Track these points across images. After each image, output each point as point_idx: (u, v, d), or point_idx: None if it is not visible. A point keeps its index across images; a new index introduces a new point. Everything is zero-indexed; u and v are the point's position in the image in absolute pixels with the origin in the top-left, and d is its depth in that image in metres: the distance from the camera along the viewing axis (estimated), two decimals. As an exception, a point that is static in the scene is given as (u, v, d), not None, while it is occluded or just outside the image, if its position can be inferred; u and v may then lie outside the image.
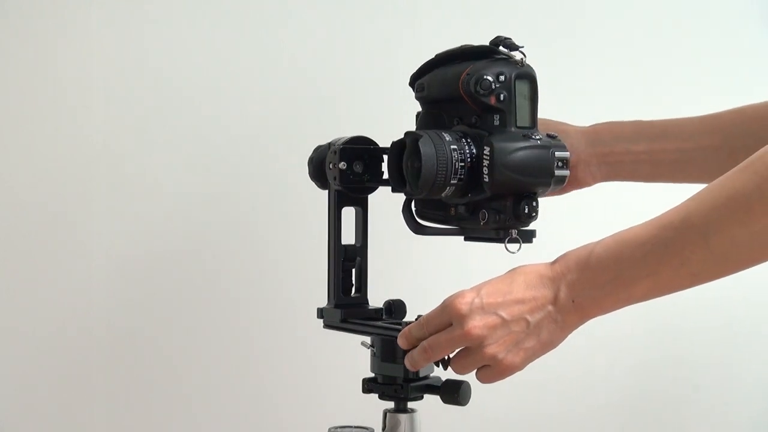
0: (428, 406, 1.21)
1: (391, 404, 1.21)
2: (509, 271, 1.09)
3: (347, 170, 1.22)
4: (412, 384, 1.18)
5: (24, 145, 1.69)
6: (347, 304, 1.24)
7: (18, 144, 1.69)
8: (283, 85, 1.77)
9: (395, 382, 1.18)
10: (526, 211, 1.12)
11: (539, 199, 1.14)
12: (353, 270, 1.25)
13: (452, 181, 1.11)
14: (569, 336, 1.09)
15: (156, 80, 1.73)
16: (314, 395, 1.78)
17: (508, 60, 1.12)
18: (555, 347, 1.08)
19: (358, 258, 1.25)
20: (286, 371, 1.78)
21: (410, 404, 1.20)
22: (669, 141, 1.26)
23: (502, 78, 1.12)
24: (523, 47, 1.12)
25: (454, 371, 1.10)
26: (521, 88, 1.12)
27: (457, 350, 1.09)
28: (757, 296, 1.89)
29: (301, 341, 1.76)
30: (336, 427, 1.20)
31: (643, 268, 1.02)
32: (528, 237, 1.14)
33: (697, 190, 1.02)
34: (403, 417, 1.20)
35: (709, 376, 1.94)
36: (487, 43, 1.14)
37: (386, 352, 1.18)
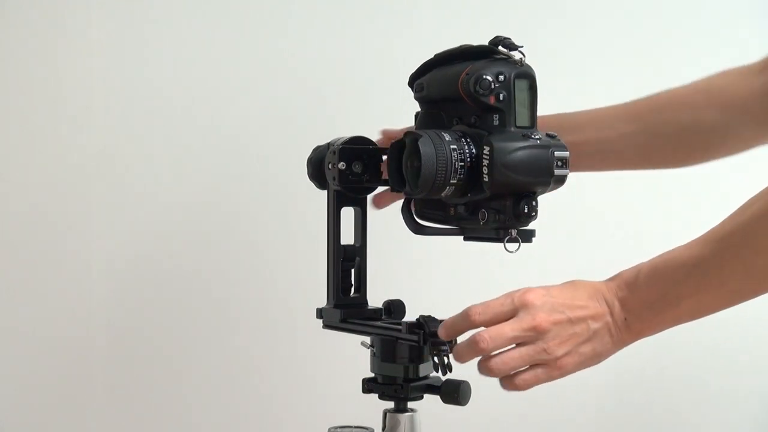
0: (428, 406, 1.21)
1: (391, 404, 1.20)
2: (569, 281, 1.11)
3: (346, 170, 1.22)
4: (412, 384, 1.18)
5: (23, 147, 1.69)
6: (346, 305, 1.24)
7: (17, 146, 1.69)
8: (282, 86, 1.77)
9: (395, 382, 1.18)
10: (526, 210, 1.12)
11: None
12: (352, 270, 1.25)
13: (452, 181, 1.11)
14: None
15: (155, 82, 1.73)
16: (314, 395, 1.78)
17: (508, 60, 1.12)
18: (601, 361, 1.10)
19: (358, 258, 1.25)
20: (286, 371, 1.78)
21: (410, 404, 1.20)
22: (590, 131, 1.30)
23: (501, 78, 1.12)
24: (522, 47, 1.12)
25: (498, 367, 1.08)
26: (521, 87, 1.12)
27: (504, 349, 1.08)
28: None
29: (301, 341, 1.76)
30: (336, 427, 1.20)
31: (686, 288, 1.06)
32: (527, 237, 1.14)
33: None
34: (403, 417, 1.20)
35: (711, 376, 1.94)
36: (487, 43, 1.14)
37: (386, 352, 1.18)
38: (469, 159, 1.11)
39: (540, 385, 1.07)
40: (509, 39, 1.13)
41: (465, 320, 1.09)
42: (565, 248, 1.77)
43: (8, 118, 1.69)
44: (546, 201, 1.18)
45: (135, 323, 1.74)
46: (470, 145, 1.12)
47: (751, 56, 1.34)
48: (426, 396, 1.19)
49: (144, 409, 1.74)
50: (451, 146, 1.11)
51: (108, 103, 1.71)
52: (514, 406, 1.82)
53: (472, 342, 1.08)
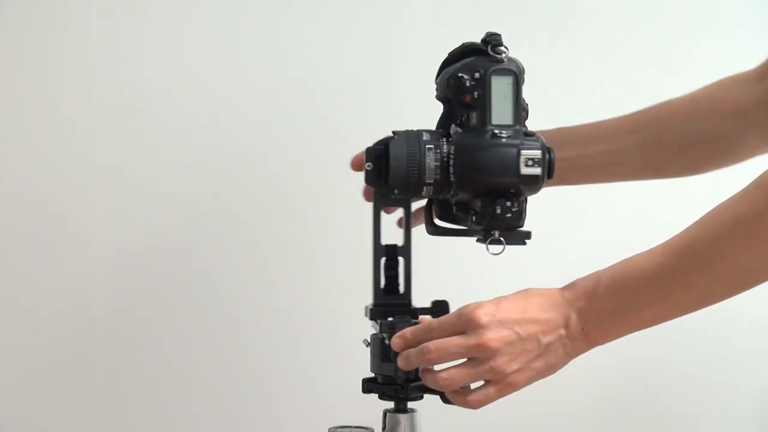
0: (428, 406, 1.21)
1: (391, 404, 1.20)
2: (522, 290, 1.11)
3: (373, 171, 1.21)
4: (412, 384, 1.18)
5: (23, 147, 1.69)
6: (389, 304, 1.22)
7: (17, 146, 1.69)
8: (283, 85, 1.77)
9: (395, 382, 1.18)
10: (499, 211, 1.11)
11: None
12: (394, 270, 1.23)
13: (428, 181, 1.12)
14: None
15: (155, 80, 1.73)
16: (314, 395, 1.78)
17: (490, 57, 1.12)
18: (556, 372, 1.10)
19: (401, 258, 1.23)
20: (286, 371, 1.78)
21: (410, 404, 1.20)
22: (593, 145, 1.30)
23: (476, 75, 1.11)
24: (502, 45, 1.11)
25: (444, 383, 1.09)
26: (500, 84, 1.11)
27: (457, 362, 1.09)
28: (757, 293, 1.89)
29: (301, 341, 1.76)
30: (336, 427, 1.20)
31: (649, 296, 1.05)
32: (519, 239, 1.13)
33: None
34: (403, 417, 1.19)
35: (710, 376, 1.94)
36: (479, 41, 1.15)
37: (386, 352, 1.18)
38: (444, 159, 1.12)
39: (538, 385, 1.08)
40: (496, 36, 1.12)
41: (425, 333, 1.10)
42: (562, 249, 1.77)
43: (8, 119, 1.69)
44: (541, 201, 1.17)
45: (134, 323, 1.73)
46: (448, 145, 1.12)
47: (754, 58, 1.34)
48: (426, 396, 1.19)
49: (144, 409, 1.74)
50: (428, 146, 1.11)
51: (108, 102, 1.71)
52: (514, 406, 1.81)
53: (419, 351, 1.09)
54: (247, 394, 1.77)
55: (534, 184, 1.11)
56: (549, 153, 1.12)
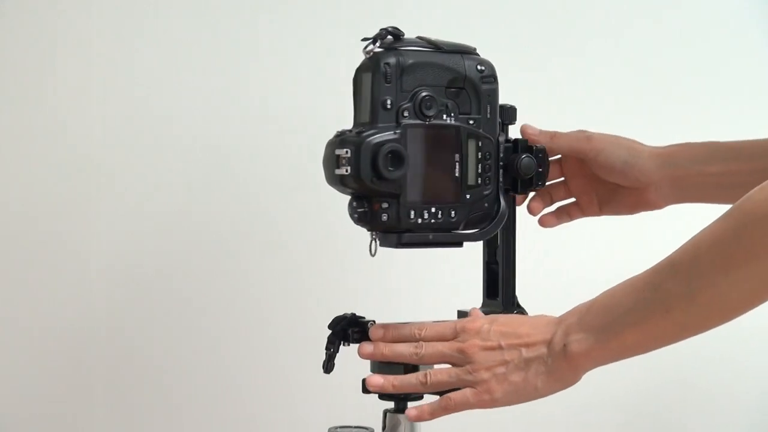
0: (428, 406, 1.21)
1: (391, 404, 1.21)
2: (536, 315, 1.14)
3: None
4: (412, 384, 1.18)
5: (22, 148, 1.69)
6: (491, 306, 1.24)
7: (16, 147, 1.69)
8: (283, 86, 1.77)
9: (395, 382, 1.18)
10: (350, 212, 1.11)
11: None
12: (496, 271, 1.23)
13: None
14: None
15: (156, 81, 1.72)
16: (314, 395, 1.78)
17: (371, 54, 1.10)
18: (541, 396, 1.10)
19: (502, 260, 1.21)
20: (286, 371, 1.78)
21: (410, 404, 1.20)
22: (743, 162, 1.23)
23: (353, 74, 1.11)
24: (376, 40, 1.09)
25: (431, 385, 1.12)
26: (363, 82, 1.09)
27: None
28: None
29: (301, 341, 1.76)
30: (336, 427, 1.20)
31: (631, 315, 1.03)
32: (391, 242, 1.13)
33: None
34: (403, 417, 1.20)
35: (711, 377, 1.94)
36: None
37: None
38: None
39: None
40: (383, 31, 1.10)
41: (409, 331, 1.14)
42: (567, 254, 1.77)
43: (7, 120, 1.68)
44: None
45: (134, 324, 1.73)
46: None
47: (757, 58, 1.34)
48: (426, 396, 1.19)
49: (144, 410, 1.74)
50: None
51: (108, 102, 1.71)
52: (514, 406, 1.82)
53: (412, 345, 1.13)
54: (247, 394, 1.77)
55: (348, 183, 1.09)
56: (374, 150, 1.07)
